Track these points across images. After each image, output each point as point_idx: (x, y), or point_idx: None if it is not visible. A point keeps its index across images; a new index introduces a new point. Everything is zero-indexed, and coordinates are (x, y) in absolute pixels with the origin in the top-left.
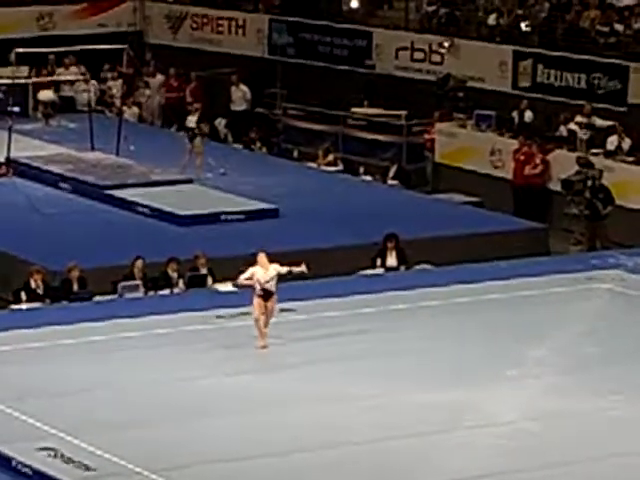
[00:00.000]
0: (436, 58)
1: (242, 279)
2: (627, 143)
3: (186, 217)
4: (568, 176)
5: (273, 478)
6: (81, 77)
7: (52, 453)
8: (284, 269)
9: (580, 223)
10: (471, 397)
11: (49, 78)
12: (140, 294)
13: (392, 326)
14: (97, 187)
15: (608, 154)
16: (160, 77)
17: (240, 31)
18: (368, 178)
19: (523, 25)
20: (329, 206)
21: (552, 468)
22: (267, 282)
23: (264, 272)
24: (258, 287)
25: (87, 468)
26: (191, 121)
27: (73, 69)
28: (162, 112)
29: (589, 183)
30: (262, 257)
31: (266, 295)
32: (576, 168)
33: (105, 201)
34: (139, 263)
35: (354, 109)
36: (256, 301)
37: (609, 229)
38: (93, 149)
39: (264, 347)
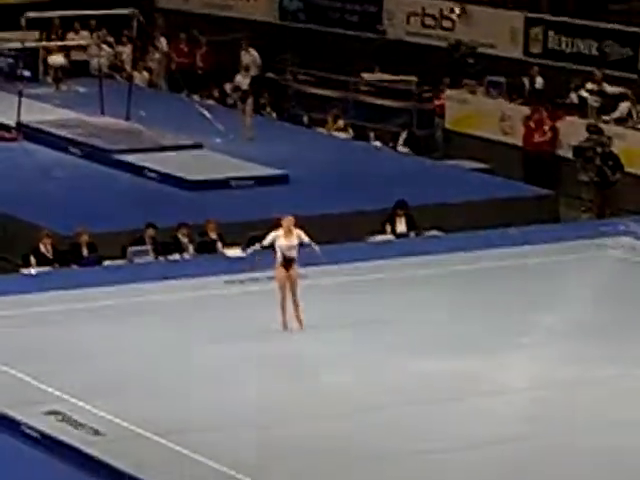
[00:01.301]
0: (447, 24)
1: (265, 243)
2: (639, 110)
3: (195, 182)
4: (579, 143)
5: (282, 446)
6: (91, 41)
7: (60, 417)
8: (307, 239)
9: (590, 190)
10: (484, 365)
11: (59, 43)
12: (150, 259)
13: (402, 293)
14: (107, 152)
15: (619, 121)
16: (163, 40)
17: None
18: (378, 144)
19: None
20: (339, 172)
21: (566, 435)
22: (289, 250)
23: (287, 239)
24: (279, 254)
25: (96, 432)
26: (243, 83)
27: (84, 33)
28: (168, 76)
29: (599, 150)
30: (289, 221)
31: (288, 264)
32: (586, 135)
33: (115, 166)
34: (150, 231)
35: (364, 75)
36: (278, 271)
37: (619, 196)
38: (103, 114)
39: (284, 324)
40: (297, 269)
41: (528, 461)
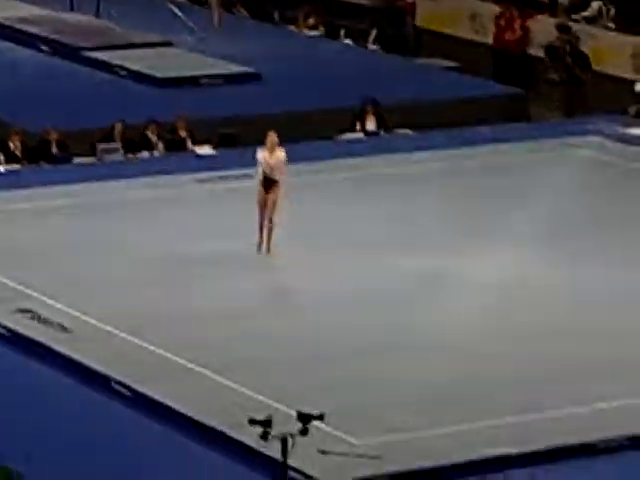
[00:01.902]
0: None
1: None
2: (611, 10)
3: (165, 80)
4: (550, 42)
5: (255, 340)
6: None
7: (29, 315)
8: (284, 171)
9: (559, 89)
10: (453, 263)
11: None
12: (119, 156)
13: (372, 191)
14: (76, 49)
15: (589, 20)
16: None
17: None
18: (349, 42)
19: None
20: (310, 70)
21: (534, 335)
22: (271, 168)
23: (269, 155)
24: (260, 170)
25: (64, 329)
26: None
27: None
28: None
29: (568, 49)
30: (271, 137)
31: (268, 184)
32: (555, 34)
33: (84, 63)
34: (119, 126)
35: None
36: (258, 191)
37: (588, 95)
38: (73, 10)
39: (259, 245)
40: (278, 192)
41: (493, 360)
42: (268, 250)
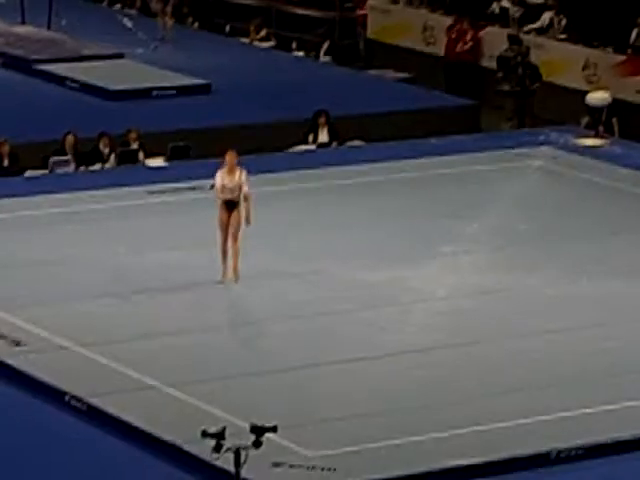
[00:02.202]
0: None
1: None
2: (563, 21)
3: (117, 92)
4: (502, 53)
5: (207, 353)
6: None
7: None
8: (246, 188)
9: (511, 100)
10: (405, 274)
11: None
12: (71, 169)
13: (323, 202)
14: (28, 61)
15: (540, 31)
16: None
17: None
18: (300, 54)
19: None
20: (261, 82)
21: (485, 343)
22: (230, 190)
23: (228, 177)
24: (219, 193)
25: (17, 343)
26: None
27: None
28: None
29: (519, 60)
30: (230, 157)
31: (228, 206)
32: (506, 45)
33: (36, 75)
34: (70, 138)
35: None
36: (219, 212)
37: (540, 106)
38: (24, 23)
39: (224, 273)
40: (240, 213)
41: (446, 369)
42: (235, 274)
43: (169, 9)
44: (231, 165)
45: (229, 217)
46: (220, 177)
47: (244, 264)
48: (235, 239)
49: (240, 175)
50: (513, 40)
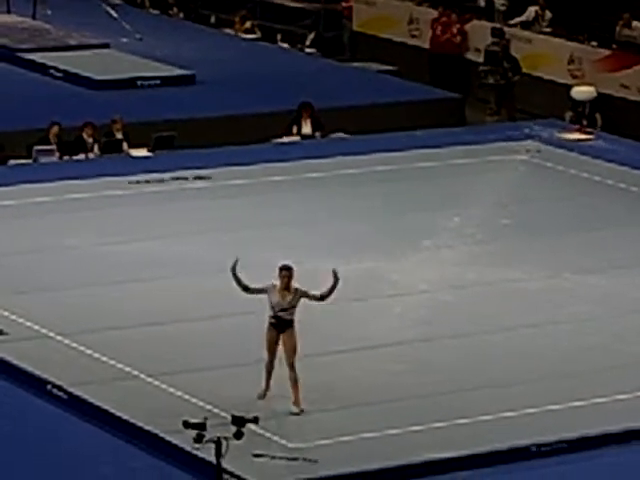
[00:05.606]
0: None
1: (252, 286)
2: (548, 14)
3: (102, 82)
4: (487, 47)
5: (190, 343)
6: None
7: None
8: (313, 292)
9: (496, 93)
10: (386, 267)
11: None
12: (55, 159)
13: (306, 194)
14: (13, 50)
15: (526, 25)
16: None
17: None
18: (285, 45)
19: None
20: (246, 73)
21: (465, 337)
22: (283, 309)
23: (280, 295)
24: (270, 312)
25: (0, 332)
26: None
27: None
28: None
29: (501, 54)
30: (285, 276)
31: (280, 325)
32: (491, 39)
33: (20, 65)
34: (55, 128)
35: None
36: (267, 331)
37: (525, 100)
38: (9, 12)
39: (264, 392)
40: (295, 334)
41: (426, 362)
42: (297, 404)
43: None
44: (285, 284)
45: (278, 338)
46: (270, 289)
47: (222, 254)
48: (292, 368)
49: (296, 292)
50: (496, 33)
